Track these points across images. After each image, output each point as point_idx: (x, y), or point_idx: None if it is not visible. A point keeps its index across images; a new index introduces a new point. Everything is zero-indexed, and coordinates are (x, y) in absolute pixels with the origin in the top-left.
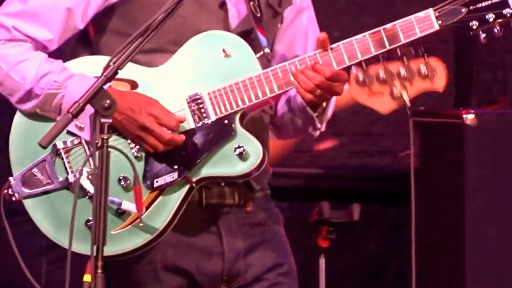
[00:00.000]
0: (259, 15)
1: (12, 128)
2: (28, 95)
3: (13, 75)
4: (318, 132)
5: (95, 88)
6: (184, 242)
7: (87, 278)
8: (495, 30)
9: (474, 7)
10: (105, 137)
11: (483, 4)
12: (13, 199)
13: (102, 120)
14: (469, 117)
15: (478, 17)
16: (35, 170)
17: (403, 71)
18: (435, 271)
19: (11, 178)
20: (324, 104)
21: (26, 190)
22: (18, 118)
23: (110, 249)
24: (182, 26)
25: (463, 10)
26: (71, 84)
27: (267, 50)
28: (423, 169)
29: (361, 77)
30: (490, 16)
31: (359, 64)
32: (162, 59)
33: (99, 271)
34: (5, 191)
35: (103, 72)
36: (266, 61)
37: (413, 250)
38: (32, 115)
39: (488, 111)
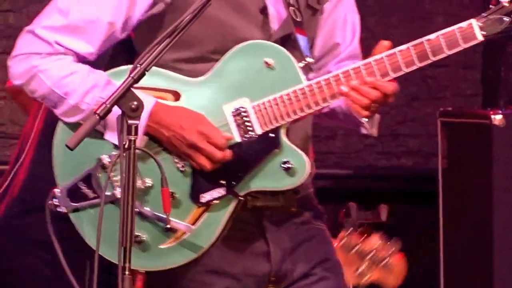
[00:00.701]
0: (299, 19)
1: (55, 140)
2: (73, 110)
3: (57, 90)
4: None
5: (122, 90)
6: (229, 246)
7: None
8: None
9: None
10: (133, 138)
11: None
12: (60, 210)
13: (130, 121)
14: (497, 118)
15: None
16: (81, 183)
17: (374, 254)
18: (463, 272)
19: (56, 190)
20: None
21: (73, 204)
22: (61, 129)
23: (158, 264)
24: (222, 34)
25: (505, 19)
26: None
27: (309, 60)
28: (451, 169)
29: (344, 240)
30: None
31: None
32: (205, 68)
33: (127, 272)
34: (50, 201)
35: (130, 73)
36: (308, 70)
37: (441, 251)
38: (76, 126)
39: None
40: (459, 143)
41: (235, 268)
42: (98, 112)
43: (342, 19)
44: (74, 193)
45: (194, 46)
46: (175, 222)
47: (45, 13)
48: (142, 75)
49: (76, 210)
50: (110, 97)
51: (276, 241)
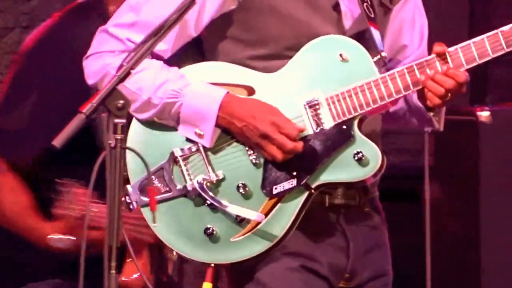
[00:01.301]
0: (372, 15)
1: (129, 137)
2: (146, 105)
3: (130, 86)
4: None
5: (109, 88)
6: (309, 237)
7: (207, 286)
8: None
9: None
10: (119, 137)
11: None
12: (131, 207)
13: (116, 120)
14: (484, 115)
15: None
16: (153, 178)
17: None
18: (450, 270)
19: (128, 186)
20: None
21: (144, 199)
22: (135, 126)
23: (230, 257)
24: (297, 30)
25: None
26: (188, 92)
27: (384, 54)
28: (438, 167)
29: None
30: None
31: None
32: (279, 65)
33: (113, 271)
34: (123, 199)
35: (116, 72)
36: (382, 64)
37: (428, 249)
38: (149, 123)
39: (502, 108)
40: (446, 140)
41: (315, 252)
42: (84, 111)
43: (410, 20)
44: (145, 189)
45: (270, 43)
46: (245, 212)
47: (118, 12)
48: (127, 74)
49: (148, 205)
50: (95, 95)
51: (355, 239)
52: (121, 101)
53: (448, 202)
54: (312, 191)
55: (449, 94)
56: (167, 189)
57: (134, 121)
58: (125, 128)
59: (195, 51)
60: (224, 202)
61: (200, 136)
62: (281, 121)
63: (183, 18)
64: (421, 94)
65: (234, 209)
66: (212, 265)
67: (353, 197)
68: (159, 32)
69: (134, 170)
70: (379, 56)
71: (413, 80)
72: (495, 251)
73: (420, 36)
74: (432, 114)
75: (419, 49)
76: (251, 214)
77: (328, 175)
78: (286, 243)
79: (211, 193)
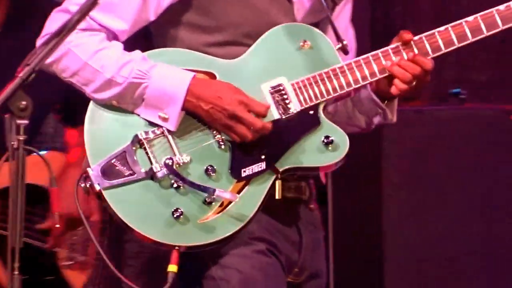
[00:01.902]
0: (327, 7)
1: (86, 119)
2: (108, 84)
3: (92, 64)
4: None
5: (11, 89)
6: (271, 230)
7: (172, 268)
8: None
9: None
10: (22, 138)
11: None
12: (95, 190)
13: (18, 121)
14: None
15: None
16: (114, 160)
17: None
18: (353, 271)
19: (89, 169)
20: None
21: (107, 181)
22: (92, 109)
23: (198, 239)
24: (256, 18)
25: None
26: (155, 74)
27: (345, 42)
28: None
29: None
30: None
31: None
32: (236, 52)
33: (16, 272)
34: (83, 184)
35: (18, 73)
36: (344, 52)
37: (330, 249)
38: (107, 106)
39: (405, 108)
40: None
41: (276, 241)
42: None
43: (347, 22)
44: (108, 171)
45: (228, 29)
46: (220, 191)
47: None
48: (30, 74)
49: (111, 187)
50: None
51: (305, 234)
52: (24, 102)
53: (351, 202)
54: (279, 175)
55: (415, 81)
56: (131, 171)
57: (91, 105)
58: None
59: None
60: (196, 182)
61: (164, 119)
62: (248, 100)
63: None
64: (383, 83)
65: (207, 189)
66: (177, 247)
67: (304, 192)
68: (63, 31)
69: (95, 152)
70: (340, 45)
71: (379, 67)
72: (397, 249)
73: (352, 41)
74: (386, 103)
75: (351, 54)
76: (225, 194)
77: (297, 159)
78: (252, 229)
79: (180, 175)
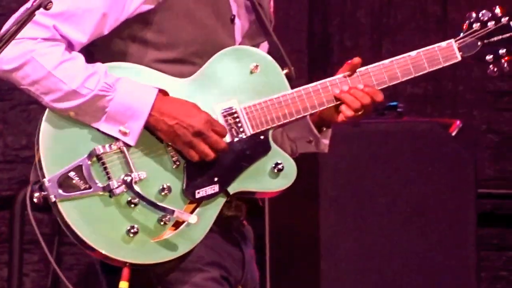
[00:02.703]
0: (270, 30)
1: (41, 129)
2: (71, 95)
3: (57, 74)
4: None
5: None
6: (219, 252)
7: (123, 284)
8: (504, 66)
9: (488, 41)
10: None
11: (495, 38)
12: (50, 200)
13: None
14: None
15: (492, 51)
16: (71, 173)
17: None
18: (290, 285)
19: (45, 180)
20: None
21: (63, 193)
22: (48, 119)
23: (150, 257)
24: (206, 37)
25: (479, 43)
26: (120, 87)
27: (292, 68)
28: None
29: None
30: (503, 52)
31: None
32: (184, 70)
33: None
34: (37, 193)
35: None
36: (291, 78)
37: (267, 264)
38: (63, 117)
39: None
40: None
41: (226, 263)
42: None
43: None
44: (64, 183)
45: (179, 47)
46: (180, 212)
47: None
48: None
49: (65, 199)
50: None
51: (245, 250)
52: None
53: (288, 214)
54: (229, 198)
55: (363, 110)
56: (87, 185)
57: (46, 115)
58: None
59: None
60: (156, 202)
61: (124, 134)
62: (212, 119)
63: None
64: (327, 111)
65: (166, 209)
66: (128, 264)
67: (240, 209)
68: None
69: (50, 164)
70: (287, 70)
71: (328, 98)
72: (334, 258)
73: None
74: (322, 131)
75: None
76: (185, 215)
77: (248, 184)
78: (201, 253)
79: (136, 192)
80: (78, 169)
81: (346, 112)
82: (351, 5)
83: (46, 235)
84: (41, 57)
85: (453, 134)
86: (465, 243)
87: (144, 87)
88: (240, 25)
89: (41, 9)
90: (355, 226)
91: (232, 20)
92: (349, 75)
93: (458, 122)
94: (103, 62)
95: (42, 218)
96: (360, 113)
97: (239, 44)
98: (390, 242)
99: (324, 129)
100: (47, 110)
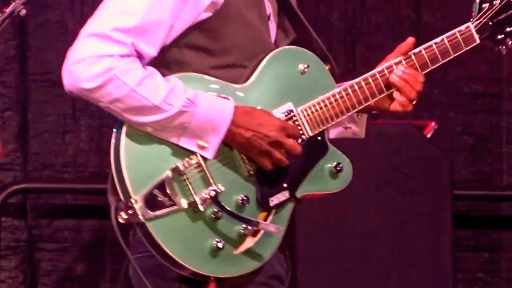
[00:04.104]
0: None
1: (122, 146)
2: (153, 110)
3: (140, 90)
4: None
5: None
6: (274, 259)
7: None
8: (509, 44)
9: (496, 20)
10: None
11: (502, 16)
12: (138, 221)
13: None
14: None
15: (501, 30)
16: (156, 191)
17: None
18: None
19: (132, 200)
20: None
21: (150, 212)
22: (128, 137)
23: (235, 269)
24: (256, 40)
25: (490, 23)
26: (201, 103)
27: (333, 63)
28: None
29: None
30: (510, 30)
31: None
32: (238, 74)
33: None
34: (123, 214)
35: None
36: (334, 73)
37: None
38: (141, 134)
39: None
40: None
41: (279, 270)
42: None
43: None
44: (150, 202)
45: (233, 51)
46: (264, 224)
47: (106, 16)
48: None
49: (152, 218)
50: None
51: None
52: None
53: None
54: (297, 202)
55: (415, 98)
56: (172, 202)
57: (126, 132)
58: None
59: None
60: (243, 215)
61: (203, 148)
62: (286, 124)
63: (157, 21)
64: (380, 100)
65: (251, 221)
66: (213, 278)
67: None
68: None
69: (135, 184)
70: (329, 65)
71: (387, 82)
72: (309, 261)
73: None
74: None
75: None
76: (270, 226)
77: (313, 186)
78: (265, 267)
79: (226, 206)
80: (161, 186)
81: (402, 103)
82: (325, 8)
83: (22, 241)
84: (123, 75)
85: (428, 136)
86: (441, 245)
87: (222, 101)
88: (274, 24)
89: (114, 25)
90: (330, 228)
91: (269, 19)
92: (406, 58)
93: (433, 124)
94: (159, 71)
95: (18, 225)
96: (413, 100)
97: (275, 43)
98: (366, 244)
99: (360, 115)
100: (124, 126)
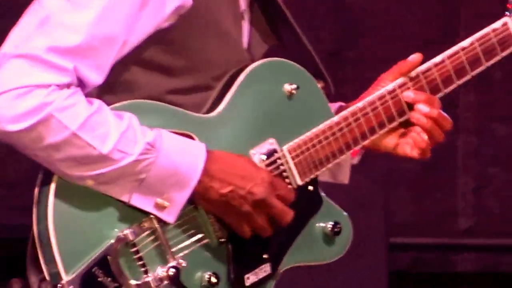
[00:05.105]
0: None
1: (51, 208)
2: (98, 161)
3: (84, 135)
4: None
5: None
6: None
7: None
8: None
9: None
10: None
11: None
12: None
13: None
14: None
15: None
16: (95, 268)
17: None
18: None
19: (63, 282)
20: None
21: None
22: (59, 192)
23: None
24: (229, 53)
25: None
26: (162, 147)
27: (329, 80)
28: None
29: None
30: None
31: None
32: (200, 98)
33: None
34: None
35: None
36: (329, 94)
37: None
38: (77, 189)
39: None
40: None
41: None
42: None
43: None
44: (88, 283)
45: (201, 70)
46: None
47: (38, 30)
48: None
49: None
50: None
51: None
52: None
53: None
54: (277, 278)
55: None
56: (117, 284)
57: (57, 188)
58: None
59: None
60: None
61: (162, 208)
62: (275, 180)
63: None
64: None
65: None
66: None
67: None
68: None
69: (68, 259)
70: (322, 83)
71: (378, 120)
72: None
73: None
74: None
75: None
76: None
77: (299, 256)
78: None
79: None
80: (103, 261)
81: (421, 147)
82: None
83: None
84: (62, 114)
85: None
86: None
87: (189, 144)
88: (247, 23)
89: (50, 43)
90: None
91: (242, 17)
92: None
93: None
94: (99, 97)
95: None
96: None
97: (248, 49)
98: None
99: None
100: (53, 181)
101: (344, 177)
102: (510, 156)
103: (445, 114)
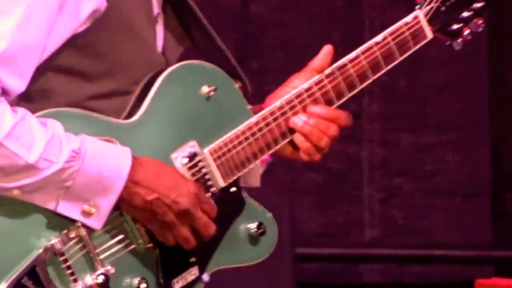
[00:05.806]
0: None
1: None
2: (24, 171)
3: (9, 145)
4: None
5: None
6: None
7: None
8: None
9: (450, 2)
10: None
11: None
12: None
13: None
14: None
15: (456, 18)
16: (25, 279)
17: None
18: None
19: None
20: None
21: None
22: None
23: None
24: (144, 55)
25: (442, 8)
26: (87, 154)
27: (246, 79)
28: None
29: None
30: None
31: None
32: (119, 103)
33: None
34: None
35: None
36: (246, 93)
37: None
38: (1, 201)
39: None
40: None
41: None
42: None
43: None
44: None
45: (116, 74)
46: None
47: None
48: None
49: None
50: None
51: None
52: None
53: None
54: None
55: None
56: None
57: None
58: None
59: None
60: None
61: (88, 214)
62: (201, 193)
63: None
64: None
65: None
66: None
67: None
68: None
69: None
70: (239, 83)
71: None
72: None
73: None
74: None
75: None
76: None
77: (224, 258)
78: None
79: None
80: (32, 272)
81: (309, 153)
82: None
83: None
84: None
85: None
86: None
87: (114, 149)
88: (161, 26)
89: None
90: None
91: (156, 20)
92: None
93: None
94: (16, 105)
95: None
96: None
97: (162, 53)
98: None
99: None
100: None
101: (255, 180)
102: (415, 167)
103: (339, 111)
